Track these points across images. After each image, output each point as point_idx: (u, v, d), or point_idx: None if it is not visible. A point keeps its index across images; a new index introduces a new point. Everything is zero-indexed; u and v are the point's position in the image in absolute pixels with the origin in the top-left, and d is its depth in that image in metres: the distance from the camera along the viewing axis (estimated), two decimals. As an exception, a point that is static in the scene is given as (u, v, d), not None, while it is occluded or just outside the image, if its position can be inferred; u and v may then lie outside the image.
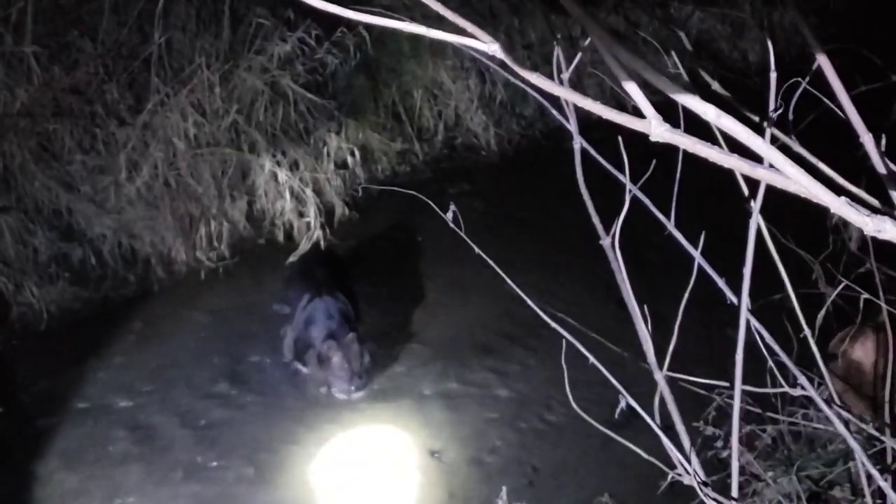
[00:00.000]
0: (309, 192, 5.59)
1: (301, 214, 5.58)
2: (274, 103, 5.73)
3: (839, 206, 0.70)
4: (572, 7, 0.79)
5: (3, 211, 5.09)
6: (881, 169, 1.18)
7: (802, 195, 0.74)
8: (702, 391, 2.39)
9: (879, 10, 6.65)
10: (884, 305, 2.32)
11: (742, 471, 2.40)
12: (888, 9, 6.38)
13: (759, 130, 1.76)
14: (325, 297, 4.64)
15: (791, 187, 0.74)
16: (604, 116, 0.82)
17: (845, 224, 3.10)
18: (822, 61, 1.24)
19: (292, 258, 5.35)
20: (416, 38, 6.53)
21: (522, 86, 1.42)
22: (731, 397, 1.91)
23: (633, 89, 0.79)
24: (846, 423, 1.94)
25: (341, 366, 4.34)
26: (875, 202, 1.61)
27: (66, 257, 5.30)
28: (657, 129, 0.78)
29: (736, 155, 0.76)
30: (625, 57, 0.78)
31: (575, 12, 0.80)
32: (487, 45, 0.89)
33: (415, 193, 2.49)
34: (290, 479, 4.00)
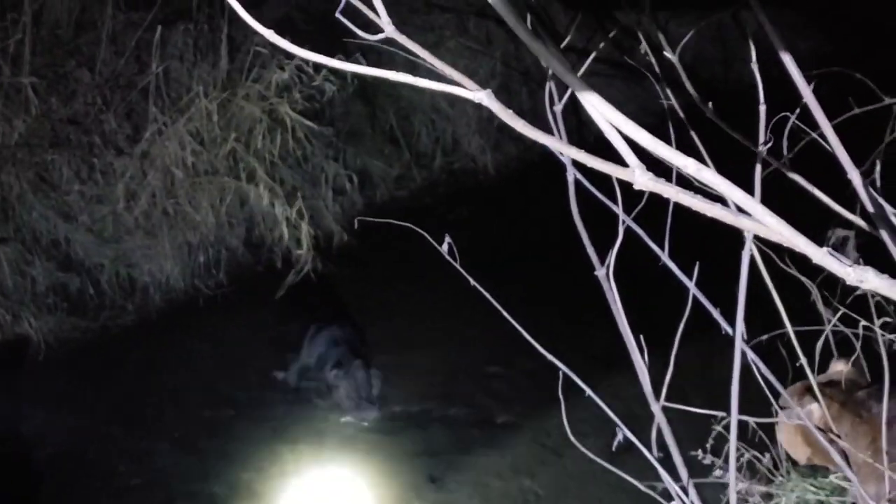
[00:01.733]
0: (304, 223, 5.59)
1: (299, 241, 5.59)
2: (272, 131, 5.75)
3: (821, 258, 0.71)
4: (553, 63, 0.80)
5: (1, 241, 5.09)
6: (869, 207, 1.18)
7: (785, 245, 0.74)
8: (700, 419, 2.39)
9: (875, 32, 6.69)
10: (878, 331, 2.32)
11: (740, 500, 2.39)
12: (883, 30, 6.43)
13: (751, 155, 1.77)
14: (331, 326, 4.68)
15: (773, 237, 0.74)
16: (588, 165, 0.83)
17: (843, 243, 3.11)
18: (807, 97, 1.25)
19: (281, 292, 5.35)
20: (413, 64, 6.56)
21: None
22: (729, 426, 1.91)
23: (615, 139, 0.80)
24: (843, 453, 1.93)
25: (350, 393, 4.36)
26: (865, 226, 1.62)
27: (64, 287, 5.30)
28: (640, 178, 0.78)
29: (718, 205, 0.77)
30: (606, 110, 0.79)
31: (555, 68, 0.80)
32: (474, 94, 0.90)
33: (411, 226, 2.48)
34: (288, 507, 3.98)
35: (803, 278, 2.98)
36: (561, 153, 1.96)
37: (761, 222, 0.73)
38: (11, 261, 5.09)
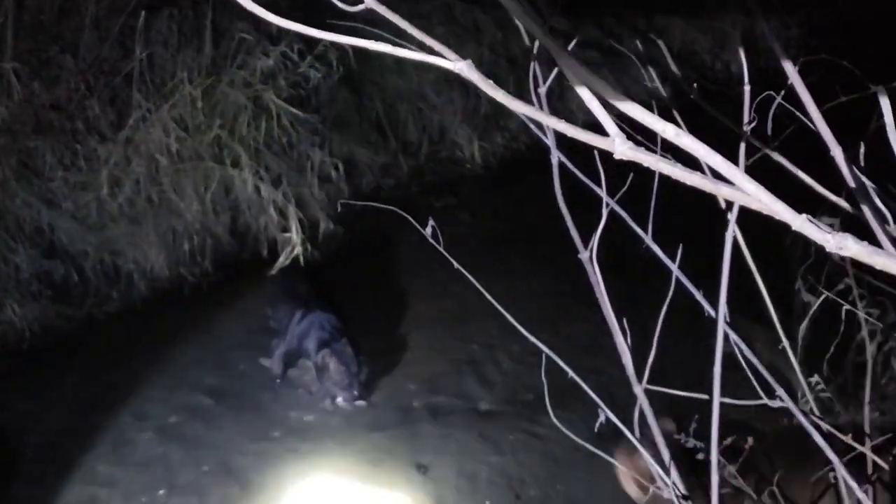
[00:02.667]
0: (292, 207, 5.57)
1: (284, 229, 5.57)
2: (257, 118, 5.72)
3: (800, 224, 0.70)
4: (541, 36, 0.79)
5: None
6: (850, 181, 1.19)
7: (764, 212, 0.74)
8: (682, 402, 2.39)
9: (861, 21, 6.72)
10: (862, 315, 2.33)
11: (724, 483, 2.40)
12: (870, 20, 6.45)
13: (736, 141, 1.77)
14: (316, 311, 4.66)
15: (753, 204, 0.74)
16: (568, 134, 0.82)
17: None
18: (793, 76, 1.25)
19: (272, 272, 5.33)
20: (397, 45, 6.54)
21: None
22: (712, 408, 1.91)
23: (595, 107, 0.79)
24: (826, 436, 1.94)
25: (338, 370, 4.36)
26: (849, 208, 1.62)
27: (48, 275, 5.26)
28: (620, 146, 0.78)
29: (698, 173, 0.76)
30: (589, 79, 0.78)
31: (543, 41, 0.80)
32: (454, 63, 0.89)
33: (396, 210, 2.47)
34: (275, 494, 3.96)
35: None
36: (545, 136, 1.96)
37: (741, 189, 0.72)
38: (-6, 248, 5.06)
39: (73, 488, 4.05)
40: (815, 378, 2.74)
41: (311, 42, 5.93)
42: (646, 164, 0.78)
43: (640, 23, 7.31)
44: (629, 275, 4.18)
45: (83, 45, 5.46)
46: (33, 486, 4.06)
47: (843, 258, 2.77)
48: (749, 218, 1.88)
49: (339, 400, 4.45)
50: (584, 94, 0.79)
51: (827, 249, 0.70)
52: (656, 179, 1.85)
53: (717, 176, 0.78)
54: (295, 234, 5.45)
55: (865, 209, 1.16)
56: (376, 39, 1.10)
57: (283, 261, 5.28)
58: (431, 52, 0.98)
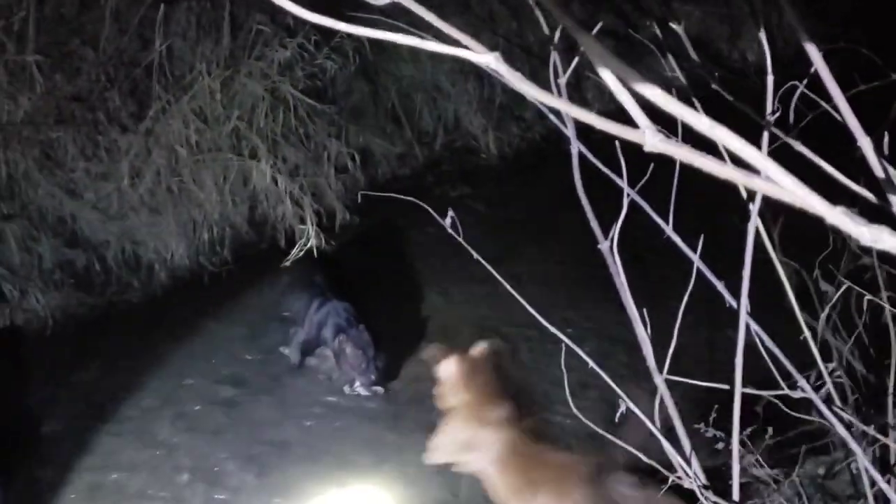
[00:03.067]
0: (308, 197, 5.60)
1: (302, 219, 5.60)
2: (274, 109, 5.75)
3: (837, 217, 0.71)
4: (564, 19, 0.81)
5: (7, 219, 5.11)
6: (879, 173, 1.19)
7: (798, 205, 0.75)
8: (702, 392, 2.40)
9: (879, 10, 6.65)
10: (886, 306, 2.33)
11: (743, 472, 2.41)
12: (888, 9, 6.39)
13: (758, 130, 1.77)
14: (332, 300, 4.70)
15: (786, 197, 0.75)
16: (596, 126, 0.83)
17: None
18: (819, 65, 1.25)
19: (287, 263, 5.36)
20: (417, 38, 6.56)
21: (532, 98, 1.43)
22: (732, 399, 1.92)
23: (625, 99, 0.80)
24: (847, 425, 1.95)
25: (355, 355, 4.41)
26: (874, 199, 1.62)
27: (70, 264, 5.33)
28: (651, 139, 0.79)
29: (731, 165, 0.77)
30: (617, 68, 0.79)
31: (566, 23, 0.81)
32: (481, 56, 0.90)
33: (415, 200, 2.49)
34: (292, 482, 4.00)
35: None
36: (565, 127, 1.97)
37: (775, 181, 0.73)
38: (18, 238, 5.11)
39: (95, 473, 4.11)
40: (833, 365, 2.74)
41: (327, 33, 5.95)
42: (677, 157, 0.78)
43: (656, 10, 7.28)
44: (645, 266, 4.19)
45: (104, 38, 5.50)
46: (56, 470, 4.12)
47: (862, 248, 2.77)
48: (767, 209, 1.89)
49: (357, 385, 4.48)
50: (612, 83, 0.80)
51: (862, 243, 0.71)
52: (677, 170, 1.86)
53: (744, 168, 0.79)
54: (310, 225, 5.47)
55: (893, 199, 1.16)
56: (395, 31, 1.11)
57: (297, 251, 5.31)
58: (457, 44, 0.99)
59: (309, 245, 5.24)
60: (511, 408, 3.19)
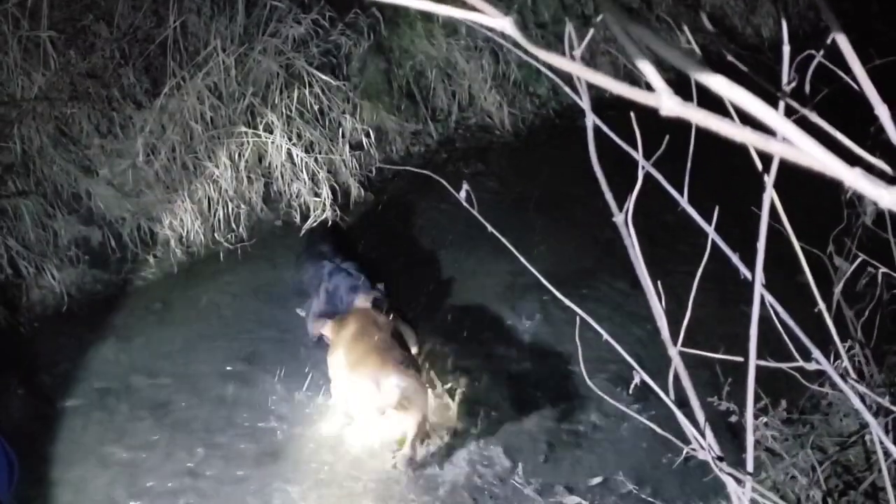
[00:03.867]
0: (324, 173, 5.61)
1: (317, 195, 5.61)
2: (289, 85, 5.74)
3: (855, 179, 0.71)
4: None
5: (22, 195, 5.15)
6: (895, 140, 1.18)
7: (817, 168, 0.75)
8: (714, 365, 2.41)
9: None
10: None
11: (757, 445, 2.42)
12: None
13: (773, 102, 1.75)
14: (341, 265, 4.76)
15: (805, 160, 0.74)
16: (613, 91, 0.83)
17: (860, 198, 3.09)
18: (837, 33, 1.24)
19: (301, 233, 5.40)
20: (429, 18, 6.53)
21: (535, 63, 1.42)
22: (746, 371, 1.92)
23: (643, 63, 0.80)
24: (861, 397, 1.95)
25: None
26: (892, 171, 1.61)
27: (85, 240, 5.36)
28: (667, 102, 0.78)
29: (749, 128, 0.77)
30: (635, 31, 0.79)
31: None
32: (497, 21, 0.90)
33: (429, 174, 2.49)
34: (309, 457, 4.04)
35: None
36: (580, 98, 1.96)
37: (795, 144, 0.73)
38: (33, 214, 5.14)
39: (112, 448, 4.16)
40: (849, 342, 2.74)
41: (342, 9, 5.93)
42: (694, 121, 0.78)
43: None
44: (660, 241, 4.19)
45: (118, 14, 5.49)
46: (75, 447, 4.17)
47: (876, 223, 2.75)
48: (781, 184, 1.88)
49: None
50: (632, 49, 0.80)
51: (881, 205, 0.71)
52: (692, 143, 1.85)
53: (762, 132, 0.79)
54: (326, 197, 5.49)
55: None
56: (408, 11, 1.10)
57: (311, 223, 5.34)
58: (471, 9, 0.99)
59: (322, 217, 5.28)
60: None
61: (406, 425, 3.73)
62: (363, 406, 3.69)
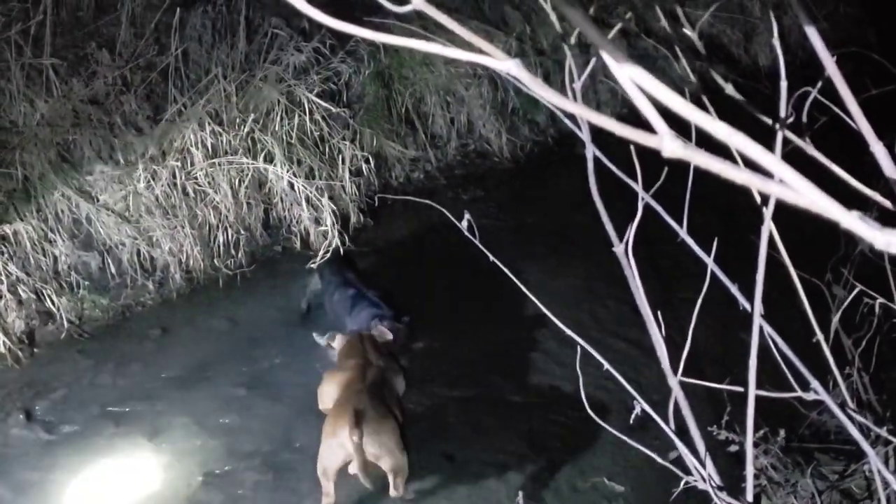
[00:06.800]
0: (326, 199, 5.64)
1: (317, 222, 5.63)
2: (289, 112, 5.79)
3: (850, 221, 0.73)
4: (582, 24, 0.82)
5: (23, 220, 5.16)
6: (891, 175, 1.20)
7: (814, 210, 0.77)
8: (715, 394, 2.42)
9: (889, 14, 6.64)
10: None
11: (757, 473, 2.42)
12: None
13: (771, 134, 1.78)
14: (369, 292, 4.87)
15: (802, 202, 0.76)
16: (615, 132, 0.85)
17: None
18: (831, 70, 1.26)
19: (313, 264, 5.41)
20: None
21: (535, 94, 1.45)
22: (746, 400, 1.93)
23: (644, 105, 0.82)
24: (860, 427, 1.95)
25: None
26: (889, 205, 1.63)
27: (85, 266, 5.37)
28: (669, 144, 0.80)
29: (748, 170, 0.79)
30: (633, 70, 0.81)
31: (583, 27, 0.83)
32: (504, 63, 0.92)
33: (430, 203, 2.51)
34: (309, 487, 4.03)
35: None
36: (580, 130, 1.99)
37: (791, 187, 0.75)
38: (33, 239, 5.16)
39: (110, 474, 4.14)
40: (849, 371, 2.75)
41: (342, 38, 5.99)
42: (696, 163, 0.80)
43: (668, 13, 7.28)
44: (659, 268, 4.20)
45: (120, 42, 5.56)
46: (74, 474, 4.15)
47: (872, 251, 2.77)
48: (780, 213, 1.90)
49: None
50: (629, 87, 0.82)
51: (876, 247, 0.73)
52: (691, 174, 1.87)
53: (759, 173, 0.81)
54: (331, 226, 5.51)
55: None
56: (408, 35, 1.12)
57: (325, 248, 5.38)
58: (476, 50, 1.01)
59: (332, 246, 5.31)
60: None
61: (386, 469, 3.77)
62: (334, 463, 3.77)
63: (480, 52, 1.01)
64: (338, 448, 3.69)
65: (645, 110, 0.84)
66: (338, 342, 4.44)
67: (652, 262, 3.44)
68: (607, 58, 0.89)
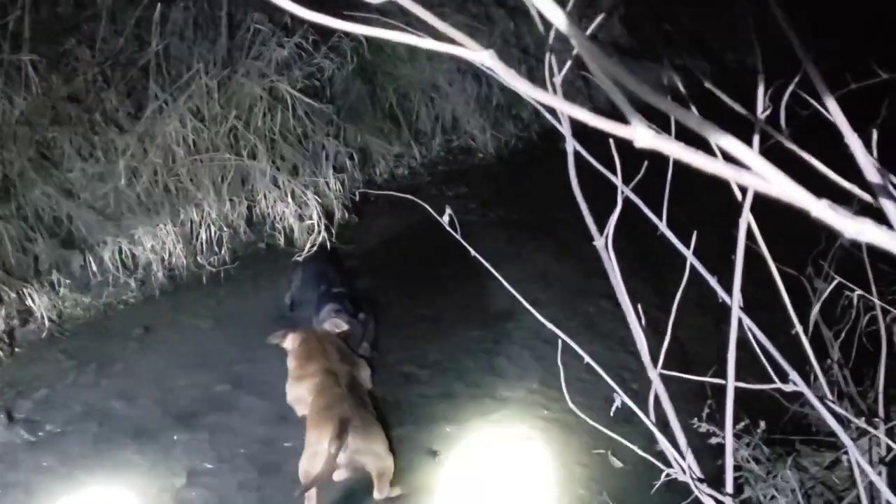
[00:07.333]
0: (310, 195, 5.62)
1: (301, 218, 5.61)
2: (272, 108, 5.76)
3: (820, 210, 0.73)
4: (556, 17, 0.82)
5: (3, 219, 5.12)
6: (868, 170, 1.21)
7: (784, 199, 0.77)
8: (697, 387, 2.42)
9: (870, 9, 6.68)
10: (877, 302, 2.35)
11: (739, 466, 2.43)
12: (879, 8, 6.42)
13: (749, 129, 1.79)
14: (334, 289, 4.85)
15: (774, 191, 0.76)
16: (588, 123, 0.85)
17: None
18: (807, 63, 1.27)
19: (299, 258, 5.40)
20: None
21: (509, 85, 1.44)
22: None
23: (616, 95, 0.82)
24: (839, 419, 1.97)
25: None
26: (866, 197, 1.64)
27: (66, 264, 5.33)
28: (641, 134, 0.80)
29: (721, 160, 0.79)
30: (610, 68, 0.81)
31: (557, 21, 0.83)
32: (476, 53, 0.92)
33: (412, 198, 2.50)
34: (294, 483, 4.01)
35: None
36: (560, 125, 1.99)
37: (763, 177, 0.75)
38: (14, 238, 5.11)
39: (91, 474, 4.11)
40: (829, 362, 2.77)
41: (325, 33, 5.97)
42: (667, 153, 0.80)
43: (653, 10, 7.30)
44: (643, 262, 4.21)
45: (100, 38, 5.51)
46: (56, 473, 4.12)
47: (853, 244, 2.79)
48: (759, 207, 1.91)
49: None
50: (603, 80, 0.82)
51: (846, 235, 0.73)
52: (670, 168, 1.88)
53: (735, 164, 0.81)
54: (317, 221, 5.50)
55: (882, 197, 1.18)
56: (391, 29, 1.12)
57: (310, 245, 5.37)
58: (453, 42, 1.01)
59: (319, 241, 5.30)
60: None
61: (372, 471, 3.78)
62: (317, 470, 3.75)
63: (456, 43, 1.01)
64: (322, 455, 3.68)
65: (618, 101, 0.84)
66: (290, 341, 4.42)
67: (637, 256, 3.45)
68: (581, 50, 0.89)
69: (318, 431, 3.76)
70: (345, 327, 4.56)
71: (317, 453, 3.72)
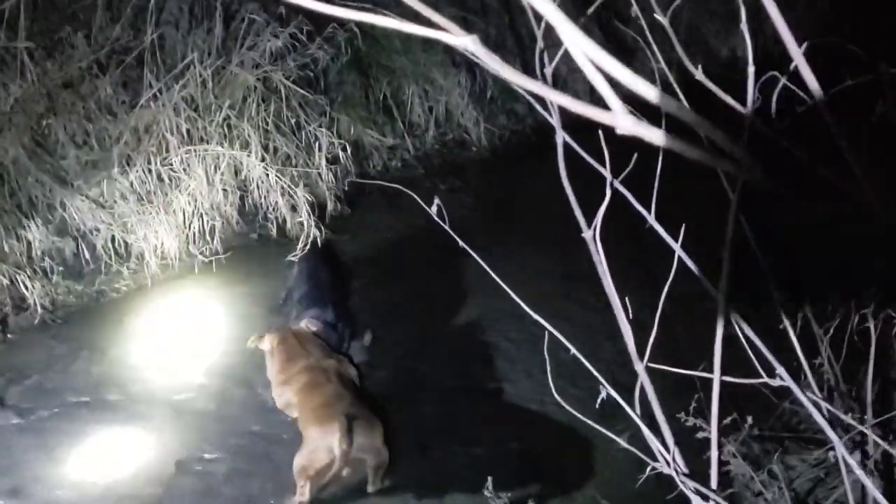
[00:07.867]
0: (301, 187, 5.61)
1: (294, 209, 5.60)
2: (266, 99, 5.74)
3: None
4: (544, 6, 0.82)
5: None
6: (854, 165, 1.21)
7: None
8: (686, 382, 2.42)
9: (866, 4, 6.68)
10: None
11: (724, 461, 2.43)
12: (874, 3, 6.42)
13: (739, 121, 1.78)
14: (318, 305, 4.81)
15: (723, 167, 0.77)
16: (571, 109, 0.85)
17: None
18: (797, 57, 1.27)
19: (293, 256, 5.38)
20: (407, 34, 6.56)
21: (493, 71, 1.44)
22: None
23: (598, 81, 0.82)
24: (825, 414, 1.97)
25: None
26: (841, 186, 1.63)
27: (59, 251, 5.32)
28: (622, 120, 0.80)
29: (699, 147, 0.79)
30: (591, 50, 0.81)
31: (543, 9, 0.82)
32: (459, 39, 0.92)
33: (403, 189, 2.50)
34: (284, 473, 4.01)
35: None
36: (550, 115, 1.98)
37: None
38: (7, 225, 5.10)
39: (83, 462, 4.11)
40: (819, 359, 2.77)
41: (319, 24, 5.95)
42: (647, 139, 0.80)
43: (645, 3, 7.29)
44: (634, 256, 4.22)
45: (95, 26, 5.48)
46: (48, 460, 4.12)
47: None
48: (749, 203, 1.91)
49: None
50: (585, 65, 0.82)
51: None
52: (660, 159, 1.88)
53: (718, 150, 0.81)
54: (306, 216, 5.49)
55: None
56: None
57: (302, 243, 5.37)
58: (438, 28, 1.01)
59: (310, 238, 5.29)
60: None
61: (370, 466, 3.77)
62: (316, 465, 3.73)
63: (439, 28, 1.01)
64: (325, 452, 3.64)
65: (599, 87, 0.84)
66: (268, 342, 4.39)
67: (628, 249, 3.46)
68: (565, 37, 0.88)
69: (321, 429, 3.70)
70: (314, 328, 4.53)
71: (317, 450, 3.68)
